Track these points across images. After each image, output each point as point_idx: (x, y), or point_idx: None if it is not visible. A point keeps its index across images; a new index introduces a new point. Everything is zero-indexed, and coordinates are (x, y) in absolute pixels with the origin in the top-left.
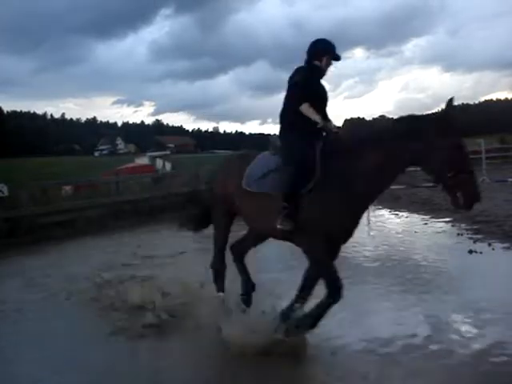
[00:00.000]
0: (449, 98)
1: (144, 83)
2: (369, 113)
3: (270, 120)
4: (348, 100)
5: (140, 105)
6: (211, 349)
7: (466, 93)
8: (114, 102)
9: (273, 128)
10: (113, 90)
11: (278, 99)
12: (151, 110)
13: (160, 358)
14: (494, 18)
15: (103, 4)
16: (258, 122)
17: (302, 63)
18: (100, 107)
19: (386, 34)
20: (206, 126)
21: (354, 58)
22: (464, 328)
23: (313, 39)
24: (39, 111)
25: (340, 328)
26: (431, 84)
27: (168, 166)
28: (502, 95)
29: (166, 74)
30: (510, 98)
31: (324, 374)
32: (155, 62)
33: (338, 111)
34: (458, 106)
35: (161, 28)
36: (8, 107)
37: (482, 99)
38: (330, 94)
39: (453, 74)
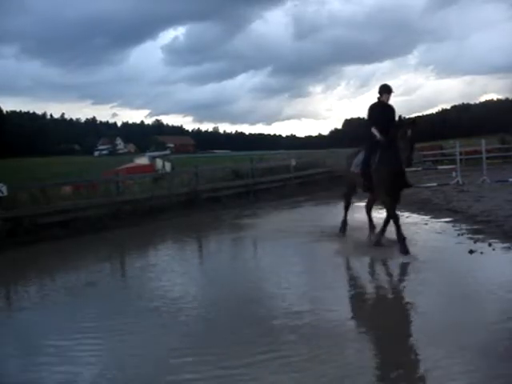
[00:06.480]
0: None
1: (149, 86)
2: (365, 113)
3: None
4: (343, 100)
5: (143, 107)
6: None
7: (456, 95)
8: (116, 105)
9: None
10: (118, 93)
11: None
12: (153, 111)
13: None
14: (485, 25)
15: (120, 12)
16: (250, 123)
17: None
18: (103, 109)
19: (381, 40)
20: (206, 126)
21: (350, 62)
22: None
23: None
24: (39, 111)
25: None
26: (422, 87)
27: (168, 166)
28: (490, 97)
29: (170, 78)
30: (499, 99)
31: None
32: (164, 66)
33: (336, 112)
34: (458, 106)
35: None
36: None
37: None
38: (326, 95)
39: (443, 78)
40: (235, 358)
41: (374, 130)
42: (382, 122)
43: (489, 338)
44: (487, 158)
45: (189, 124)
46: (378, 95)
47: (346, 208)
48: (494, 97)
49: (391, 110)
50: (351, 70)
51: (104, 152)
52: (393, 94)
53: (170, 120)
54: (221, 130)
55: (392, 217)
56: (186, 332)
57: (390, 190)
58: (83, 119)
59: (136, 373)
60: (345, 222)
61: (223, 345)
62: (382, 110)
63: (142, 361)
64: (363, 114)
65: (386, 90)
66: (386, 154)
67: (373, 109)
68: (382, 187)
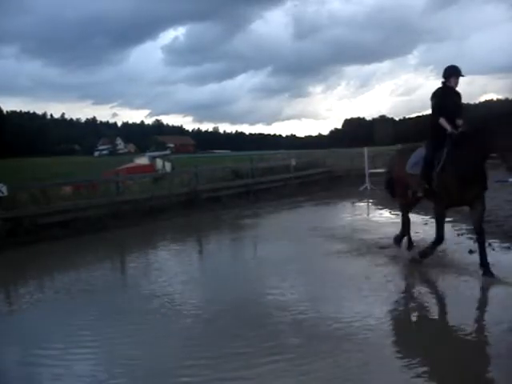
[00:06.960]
0: None
1: (149, 86)
2: (365, 113)
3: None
4: (343, 100)
5: (143, 107)
6: None
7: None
8: (116, 105)
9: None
10: (118, 93)
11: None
12: (153, 111)
13: None
14: (485, 26)
15: (122, 12)
16: (250, 123)
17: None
18: (103, 109)
19: (381, 40)
20: (206, 126)
21: (350, 62)
22: None
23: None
24: (39, 111)
25: None
26: (422, 87)
27: (168, 166)
28: (490, 97)
29: (170, 78)
30: (499, 99)
31: None
32: (164, 66)
33: (336, 112)
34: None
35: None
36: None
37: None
38: (326, 95)
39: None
40: (237, 364)
41: (443, 122)
42: (451, 112)
43: (490, 339)
44: None
45: (189, 124)
46: (444, 79)
47: (404, 220)
48: (494, 97)
49: (459, 97)
50: (351, 70)
51: (104, 152)
52: (461, 79)
53: (170, 120)
54: (221, 130)
55: (437, 238)
56: (186, 335)
57: (457, 199)
58: (83, 119)
59: (134, 377)
60: (409, 239)
61: (225, 351)
62: (449, 96)
63: (141, 366)
64: (363, 114)
65: (453, 73)
66: (457, 152)
67: (438, 95)
68: (445, 194)
